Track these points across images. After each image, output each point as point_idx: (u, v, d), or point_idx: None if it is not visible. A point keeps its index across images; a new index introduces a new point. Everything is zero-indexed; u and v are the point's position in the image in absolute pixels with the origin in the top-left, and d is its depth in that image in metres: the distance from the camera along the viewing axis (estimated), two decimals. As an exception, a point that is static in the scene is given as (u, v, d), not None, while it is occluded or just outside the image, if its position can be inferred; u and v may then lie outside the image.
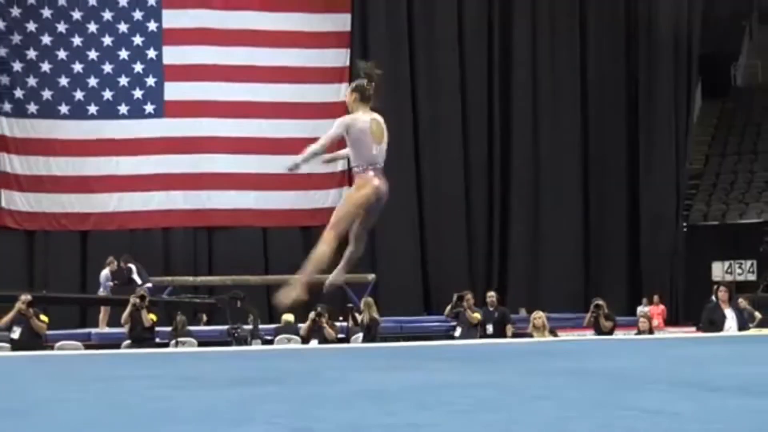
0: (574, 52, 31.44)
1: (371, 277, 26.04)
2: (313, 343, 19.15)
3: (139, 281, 22.84)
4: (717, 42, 36.65)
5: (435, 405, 6.03)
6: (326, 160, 9.79)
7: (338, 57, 30.08)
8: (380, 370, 9.89)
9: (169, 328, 20.24)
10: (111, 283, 23.61)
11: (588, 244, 31.20)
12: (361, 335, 20.67)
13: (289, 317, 21.39)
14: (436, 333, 21.89)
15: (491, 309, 21.57)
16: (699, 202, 34.62)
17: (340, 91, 29.81)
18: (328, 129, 9.45)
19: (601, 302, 20.75)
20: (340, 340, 20.29)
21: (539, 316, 19.50)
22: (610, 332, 20.20)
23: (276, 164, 29.22)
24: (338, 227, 9.12)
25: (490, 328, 20.90)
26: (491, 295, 21.90)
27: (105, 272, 23.75)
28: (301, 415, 5.62)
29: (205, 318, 25.81)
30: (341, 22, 30.16)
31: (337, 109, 29.79)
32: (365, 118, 9.32)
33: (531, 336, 19.16)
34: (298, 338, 20.05)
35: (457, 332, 20.62)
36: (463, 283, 27.05)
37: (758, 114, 37.70)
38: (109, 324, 23.20)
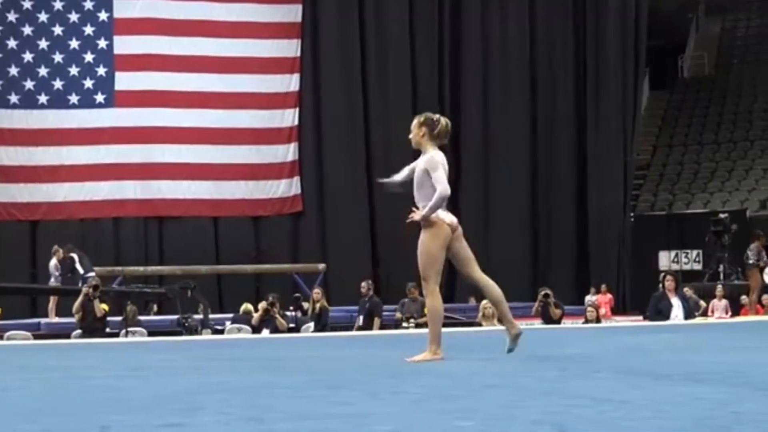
0: (524, 46, 31.52)
1: (322, 266, 26.06)
2: (265, 333, 19.14)
3: (81, 271, 22.66)
4: (664, 34, 36.90)
5: (387, 394, 6.07)
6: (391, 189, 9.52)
7: (289, 47, 30.02)
8: (331, 360, 9.92)
9: (119, 318, 20.14)
10: (59, 273, 23.45)
11: (536, 234, 31.33)
12: (311, 325, 20.67)
13: (248, 306, 21.38)
14: (386, 323, 21.88)
15: (365, 300, 21.37)
16: (646, 193, 34.86)
17: (292, 82, 29.81)
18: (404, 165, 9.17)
19: (549, 291, 20.86)
20: (291, 330, 20.28)
21: (489, 306, 19.54)
22: (559, 321, 20.32)
23: (227, 154, 29.19)
24: (431, 277, 9.02)
25: (360, 320, 20.72)
26: (364, 286, 21.57)
27: (53, 262, 23.60)
28: (253, 404, 5.65)
29: (155, 308, 25.72)
30: (292, 12, 30.10)
31: (289, 100, 29.81)
32: (444, 159, 9.19)
33: (480, 325, 19.23)
34: (248, 328, 20.02)
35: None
36: (411, 274, 27.06)
37: (704, 105, 37.99)
38: (58, 314, 23.06)
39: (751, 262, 22.89)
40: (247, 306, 21.43)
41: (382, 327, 20.26)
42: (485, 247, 30.36)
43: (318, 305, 20.90)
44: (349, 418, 5.01)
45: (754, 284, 22.60)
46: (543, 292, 20.83)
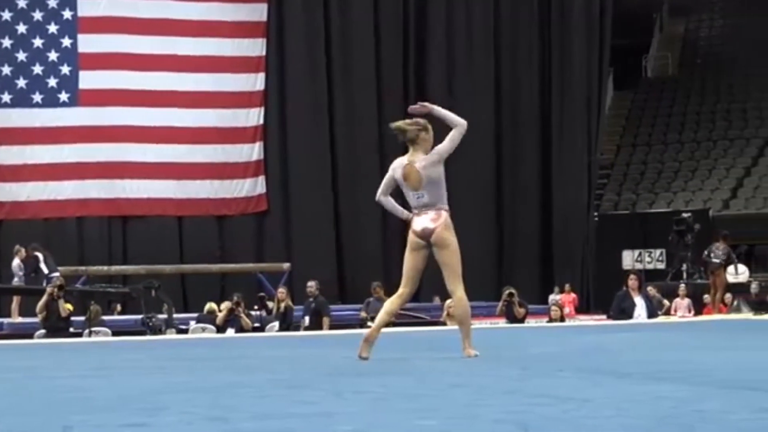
0: (488, 45, 31.56)
1: (286, 266, 26.04)
2: (230, 332, 19.10)
3: (45, 270, 22.53)
4: (628, 34, 37.06)
5: (350, 393, 6.08)
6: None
7: (254, 47, 29.97)
8: (295, 359, 9.93)
9: (83, 318, 20.05)
10: (22, 273, 23.30)
11: (501, 233, 31.39)
12: (276, 324, 20.64)
13: (212, 306, 21.33)
14: (351, 322, 21.88)
15: (310, 300, 21.18)
16: (610, 192, 35.01)
17: (257, 81, 29.76)
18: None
19: (513, 291, 20.90)
20: (256, 329, 20.26)
21: (453, 305, 19.55)
22: (523, 320, 20.36)
23: (192, 153, 29.11)
24: (459, 274, 9.02)
25: (306, 320, 20.53)
26: (311, 285, 21.42)
27: (16, 262, 23.45)
28: (217, 404, 5.64)
29: (118, 307, 25.63)
30: (257, 11, 30.04)
31: (254, 99, 29.76)
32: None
33: (444, 324, 19.25)
34: (213, 327, 19.98)
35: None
36: (378, 273, 27.10)
37: (668, 105, 38.19)
38: (22, 314, 22.92)
39: (717, 261, 23.04)
40: (211, 305, 21.38)
41: (332, 327, 20.11)
42: (450, 247, 30.46)
43: (283, 305, 20.85)
44: (313, 418, 5.01)
45: (719, 283, 22.73)
46: (507, 292, 20.87)
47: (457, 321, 9.13)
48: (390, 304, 9.02)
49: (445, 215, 8.91)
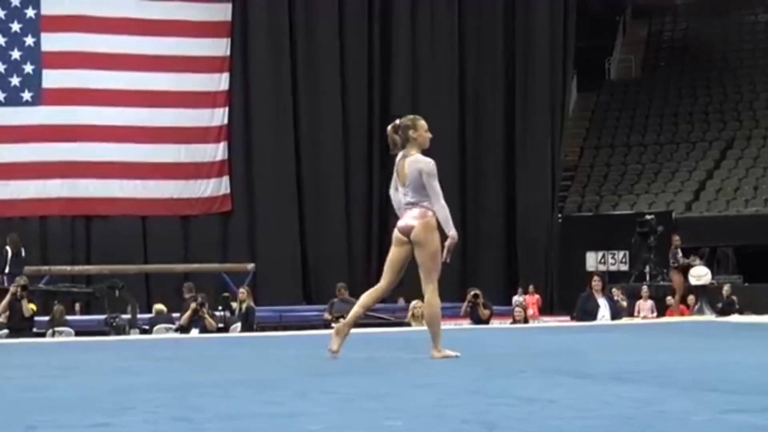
0: (453, 46, 31.60)
1: (251, 266, 26.00)
2: (194, 333, 19.05)
3: (7, 270, 22.35)
4: (592, 36, 37.20)
5: (315, 393, 6.09)
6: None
7: (219, 46, 29.90)
8: (260, 359, 9.92)
9: (46, 318, 19.94)
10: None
11: (465, 234, 31.37)
12: (239, 324, 20.60)
13: (161, 307, 21.27)
14: (315, 322, 21.89)
15: (240, 304, 21.09)
16: (573, 194, 35.12)
17: (221, 81, 29.70)
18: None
19: (478, 292, 20.94)
20: (220, 330, 20.21)
21: (418, 306, 19.57)
22: (487, 321, 20.42)
23: (156, 153, 29.02)
24: (435, 277, 9.04)
25: (238, 327, 20.48)
26: (242, 292, 21.28)
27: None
28: (181, 404, 5.64)
29: (78, 307, 25.52)
30: (222, 11, 29.98)
31: (218, 99, 29.71)
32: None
33: (409, 325, 19.28)
34: (171, 326, 19.92)
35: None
36: (342, 273, 27.12)
37: (631, 107, 38.35)
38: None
39: (671, 263, 23.23)
40: (160, 306, 21.32)
41: (298, 328, 20.06)
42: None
43: (244, 305, 20.81)
44: (278, 418, 5.02)
45: (675, 285, 22.83)
46: (472, 293, 20.93)
47: (426, 322, 9.15)
48: (366, 297, 9.08)
49: (429, 215, 8.85)
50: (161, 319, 20.80)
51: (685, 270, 22.25)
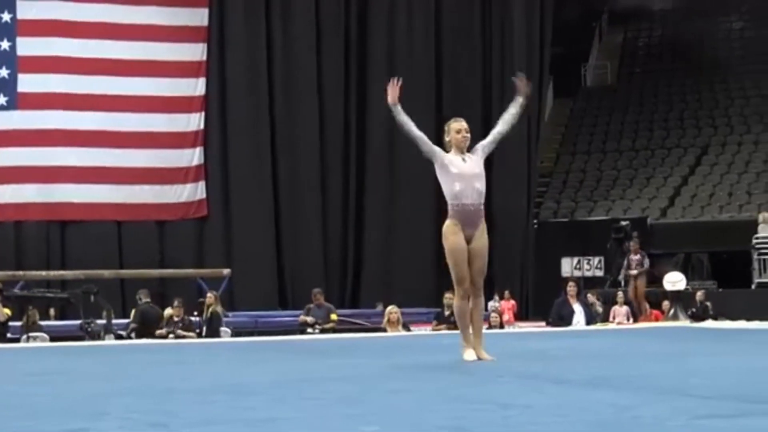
0: (429, 51, 31.65)
1: (226, 271, 25.95)
2: (170, 338, 19.01)
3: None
4: (568, 42, 37.31)
5: (291, 399, 6.09)
6: None
7: (195, 51, 29.83)
8: (237, 365, 9.91)
9: (20, 323, 19.86)
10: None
11: (441, 239, 31.43)
12: (224, 329, 20.55)
13: (169, 311, 21.17)
14: (290, 328, 21.86)
15: (207, 309, 21.07)
16: (549, 200, 35.20)
17: (198, 86, 29.66)
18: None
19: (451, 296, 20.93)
20: (197, 335, 20.17)
21: (394, 311, 19.61)
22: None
23: (132, 158, 28.94)
24: (455, 278, 9.08)
25: (204, 330, 20.43)
26: (210, 296, 21.19)
27: None
28: (158, 409, 5.64)
29: (52, 312, 25.43)
30: (198, 16, 29.91)
31: (194, 103, 29.66)
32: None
33: (385, 331, 19.29)
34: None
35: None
36: (318, 279, 27.12)
37: (607, 114, 38.48)
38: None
39: (634, 272, 23.42)
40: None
41: (272, 333, 20.02)
42: (390, 251, 30.49)
43: (210, 310, 20.70)
44: (256, 424, 5.02)
45: (635, 292, 22.79)
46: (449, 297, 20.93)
47: None
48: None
49: (447, 221, 9.24)
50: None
51: (639, 276, 22.31)
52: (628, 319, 23.47)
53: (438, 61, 31.69)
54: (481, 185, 9.07)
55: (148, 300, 21.75)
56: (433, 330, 19.21)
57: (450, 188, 9.00)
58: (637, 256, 22.97)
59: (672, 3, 42.63)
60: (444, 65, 31.71)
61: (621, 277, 23.94)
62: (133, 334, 19.85)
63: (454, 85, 31.73)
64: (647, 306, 22.66)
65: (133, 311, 21.83)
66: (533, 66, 32.13)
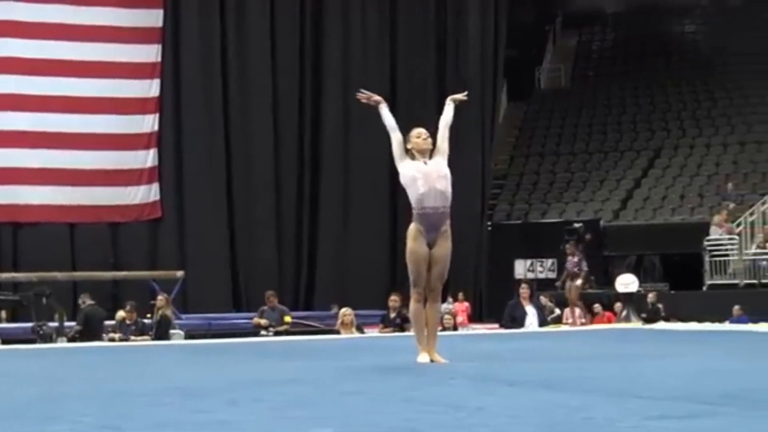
0: (384, 54, 31.64)
1: (180, 273, 25.85)
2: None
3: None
4: (522, 45, 37.46)
5: (244, 401, 6.08)
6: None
7: (150, 52, 29.69)
8: (190, 367, 9.89)
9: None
10: None
11: (395, 240, 31.40)
12: (177, 332, 20.44)
13: (122, 313, 21.05)
14: (244, 330, 21.80)
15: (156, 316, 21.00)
16: (503, 202, 35.31)
17: (152, 87, 29.51)
18: None
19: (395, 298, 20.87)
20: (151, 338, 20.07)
21: (348, 313, 19.61)
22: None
23: (85, 159, 28.75)
24: (412, 281, 9.11)
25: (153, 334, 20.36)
26: (160, 299, 21.09)
27: None
28: (109, 412, 5.61)
29: (3, 315, 25.25)
30: (153, 17, 29.76)
31: (148, 105, 29.51)
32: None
33: (339, 333, 19.28)
34: (104, 335, 19.76)
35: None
36: (272, 281, 27.06)
37: (561, 117, 38.65)
38: None
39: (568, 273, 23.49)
40: (121, 314, 21.15)
41: (225, 335, 19.94)
42: (345, 254, 30.48)
43: (159, 313, 20.56)
44: (208, 426, 5.01)
45: (572, 295, 22.74)
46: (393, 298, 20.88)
47: None
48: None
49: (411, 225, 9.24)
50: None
51: (573, 278, 22.34)
52: (580, 321, 23.56)
53: (393, 64, 31.70)
54: (444, 186, 9.11)
55: (92, 302, 21.61)
56: (380, 333, 19.22)
57: (414, 192, 9.04)
58: (574, 259, 23.03)
59: (625, 6, 42.90)
60: (399, 68, 31.73)
61: (559, 282, 23.91)
62: (77, 336, 19.65)
63: (409, 88, 31.74)
64: (582, 308, 22.50)
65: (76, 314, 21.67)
66: (488, 69, 32.25)
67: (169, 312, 20.70)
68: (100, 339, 19.27)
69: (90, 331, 19.84)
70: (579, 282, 22.02)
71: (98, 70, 28.78)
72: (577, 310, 22.87)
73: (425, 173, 9.07)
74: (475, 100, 32.01)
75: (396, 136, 9.37)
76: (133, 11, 29.49)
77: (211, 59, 29.79)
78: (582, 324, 20.64)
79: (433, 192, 9.03)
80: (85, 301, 21.70)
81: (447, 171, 9.23)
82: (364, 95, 9.62)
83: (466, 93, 9.84)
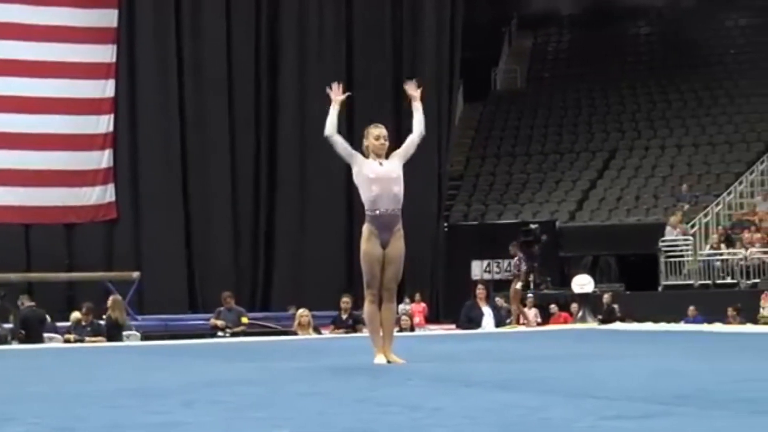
0: (340, 56, 31.63)
1: (136, 274, 25.75)
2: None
3: None
4: (478, 47, 37.54)
5: (201, 403, 6.07)
6: None
7: (105, 53, 29.53)
8: (146, 369, 9.85)
9: None
10: None
11: (351, 242, 31.38)
12: (134, 333, 20.33)
13: (77, 315, 20.89)
14: (201, 331, 21.74)
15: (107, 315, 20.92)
16: (459, 203, 35.40)
17: (107, 88, 29.35)
18: None
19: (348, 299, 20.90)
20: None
21: (305, 314, 19.61)
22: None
23: (39, 160, 28.55)
24: (366, 282, 9.07)
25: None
26: (109, 300, 21.01)
27: None
28: (64, 414, 5.59)
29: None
30: (107, 17, 29.59)
31: (104, 106, 29.35)
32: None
33: (296, 334, 19.27)
34: (59, 337, 19.62)
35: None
36: (229, 282, 26.97)
37: (517, 118, 38.78)
38: None
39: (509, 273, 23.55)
40: (76, 314, 20.97)
41: (184, 336, 19.89)
42: (302, 255, 30.46)
43: (107, 314, 20.38)
44: (164, 428, 4.99)
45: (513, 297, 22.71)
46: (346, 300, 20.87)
47: None
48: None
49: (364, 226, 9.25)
50: (44, 328, 20.49)
51: (514, 279, 22.41)
52: (537, 321, 23.66)
53: (349, 64, 31.69)
54: (398, 189, 9.12)
55: (32, 304, 21.42)
56: (331, 334, 19.25)
57: (367, 194, 9.06)
58: (515, 260, 23.12)
59: (581, 8, 43.12)
60: (355, 68, 31.72)
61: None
62: (15, 341, 19.37)
63: (365, 89, 31.69)
64: (521, 309, 22.44)
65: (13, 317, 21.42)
66: (444, 70, 32.31)
67: (117, 314, 20.39)
68: (40, 341, 19.05)
69: (29, 333, 19.59)
70: (519, 284, 22.05)
71: (53, 70, 28.60)
72: (531, 312, 22.97)
73: (380, 175, 9.08)
74: (432, 102, 32.00)
75: (337, 139, 9.38)
76: (87, 11, 29.31)
77: (166, 59, 29.66)
78: (523, 324, 20.61)
79: (387, 195, 9.06)
80: (24, 303, 21.45)
81: (401, 173, 9.22)
82: (335, 89, 9.59)
83: (416, 82, 9.74)
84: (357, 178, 9.19)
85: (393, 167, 9.18)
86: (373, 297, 9.10)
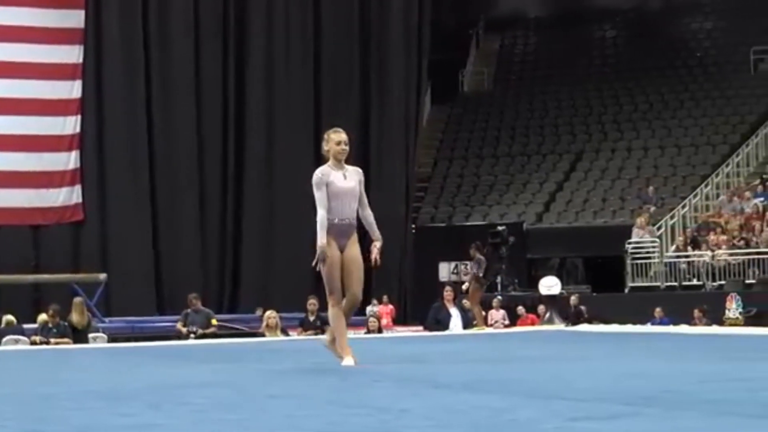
0: (308, 59, 31.60)
1: (102, 276, 25.65)
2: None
3: None
4: (445, 49, 37.57)
5: (169, 405, 6.06)
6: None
7: (71, 53, 29.41)
8: (112, 371, 9.82)
9: None
10: None
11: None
12: (100, 335, 20.22)
13: (10, 318, 20.78)
14: (168, 333, 21.66)
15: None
16: (427, 205, 35.42)
17: (74, 89, 29.22)
18: None
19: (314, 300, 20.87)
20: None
21: (273, 316, 19.59)
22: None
23: (6, 161, 28.39)
24: (328, 288, 9.16)
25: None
26: (76, 303, 20.89)
27: None
28: (32, 416, 5.57)
29: None
30: (74, 18, 29.48)
31: (70, 107, 29.22)
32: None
33: (264, 336, 19.24)
34: (26, 339, 19.52)
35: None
36: (197, 284, 26.90)
37: (484, 120, 38.84)
38: None
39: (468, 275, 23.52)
40: (8, 317, 20.84)
41: (149, 338, 19.82)
42: (269, 256, 30.42)
43: (69, 318, 20.24)
44: (132, 430, 4.99)
45: (472, 299, 22.66)
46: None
47: None
48: None
49: None
50: (10, 330, 20.36)
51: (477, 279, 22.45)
52: (504, 323, 23.71)
53: (316, 66, 31.68)
54: (356, 205, 9.23)
55: None
56: (299, 335, 19.24)
57: (328, 204, 9.14)
58: (473, 262, 23.17)
59: (547, 11, 43.25)
60: (323, 71, 31.72)
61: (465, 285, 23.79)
62: None
63: (332, 91, 31.76)
64: (479, 311, 22.44)
65: None
66: (411, 72, 32.34)
67: (76, 316, 20.18)
68: None
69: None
70: (473, 286, 22.10)
71: (19, 71, 28.47)
72: (498, 313, 23.00)
73: (343, 190, 9.16)
74: (399, 104, 32.13)
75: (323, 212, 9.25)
76: (54, 12, 29.19)
77: (133, 60, 29.57)
78: (475, 325, 20.63)
79: (347, 206, 9.18)
80: None
81: (359, 191, 9.27)
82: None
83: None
84: (318, 191, 9.22)
85: (355, 185, 9.25)
86: (335, 301, 9.15)
